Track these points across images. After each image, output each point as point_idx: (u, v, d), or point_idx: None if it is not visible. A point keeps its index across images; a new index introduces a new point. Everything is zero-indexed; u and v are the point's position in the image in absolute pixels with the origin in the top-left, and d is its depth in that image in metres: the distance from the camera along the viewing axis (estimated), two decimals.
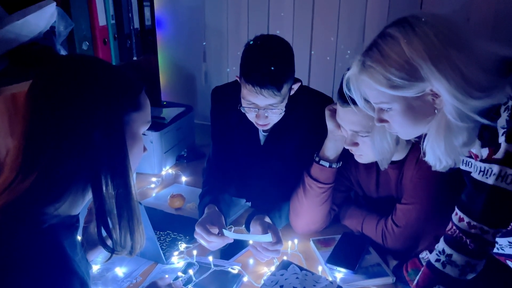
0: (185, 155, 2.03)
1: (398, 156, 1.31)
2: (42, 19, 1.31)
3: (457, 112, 0.85)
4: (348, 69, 1.04)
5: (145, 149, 0.92)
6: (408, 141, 1.26)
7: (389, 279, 1.20)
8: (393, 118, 0.95)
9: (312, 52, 2.11)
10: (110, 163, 0.79)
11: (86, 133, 0.76)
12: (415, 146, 1.27)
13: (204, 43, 2.31)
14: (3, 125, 1.32)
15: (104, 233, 0.83)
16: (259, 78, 1.24)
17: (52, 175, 0.76)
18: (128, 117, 0.82)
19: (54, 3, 1.33)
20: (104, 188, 0.79)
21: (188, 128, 2.11)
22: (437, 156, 0.94)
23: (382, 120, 0.98)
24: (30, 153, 0.76)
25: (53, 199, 0.77)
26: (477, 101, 0.83)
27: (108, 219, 0.81)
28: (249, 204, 1.60)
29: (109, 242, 0.84)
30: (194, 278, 1.15)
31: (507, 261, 1.04)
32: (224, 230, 1.24)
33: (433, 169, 1.00)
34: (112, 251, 0.84)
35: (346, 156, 1.36)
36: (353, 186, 1.48)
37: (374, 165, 1.38)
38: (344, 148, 1.32)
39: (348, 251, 1.28)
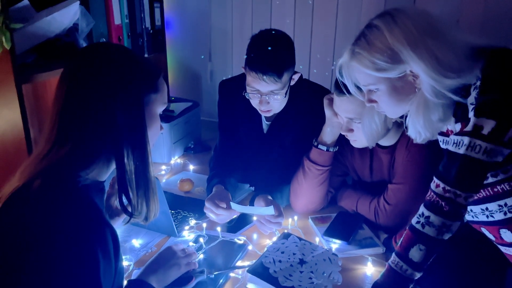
0: (192, 147, 2.17)
1: (389, 142, 1.44)
2: (67, 17, 1.46)
3: (433, 90, 0.98)
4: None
5: (161, 127, 1.04)
6: (398, 127, 1.39)
7: (380, 249, 1.33)
8: (380, 98, 1.08)
9: (311, 51, 2.26)
10: (131, 138, 0.90)
11: (110, 111, 0.87)
12: (405, 132, 1.40)
13: (209, 43, 2.45)
14: (30, 107, 1.45)
15: (125, 202, 0.93)
16: (261, 66, 1.38)
17: (83, 146, 0.88)
18: (147, 98, 0.94)
19: (78, 2, 1.48)
20: (125, 160, 0.90)
21: (195, 122, 2.25)
22: (417, 130, 1.07)
23: (371, 101, 1.11)
24: (63, 128, 0.88)
25: (85, 166, 0.89)
26: (450, 80, 0.96)
27: (128, 187, 0.91)
28: (252, 188, 1.73)
29: (128, 208, 0.95)
30: (204, 246, 1.28)
31: (482, 228, 1.17)
32: (231, 203, 1.37)
33: (414, 141, 1.14)
34: (130, 215, 0.95)
35: (342, 143, 1.50)
36: (349, 171, 1.61)
37: (368, 151, 1.51)
38: (340, 136, 1.45)
39: (343, 226, 1.42)
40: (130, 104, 0.90)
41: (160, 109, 0.99)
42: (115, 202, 1.16)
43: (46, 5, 1.44)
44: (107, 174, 0.97)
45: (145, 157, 0.93)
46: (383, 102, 1.10)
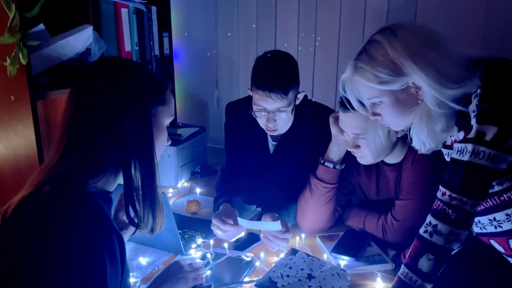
0: (199, 171, 2.18)
1: (395, 159, 1.45)
2: (80, 41, 1.52)
3: (435, 100, 1.01)
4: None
5: (168, 140, 1.05)
6: (404, 144, 1.40)
7: (389, 266, 1.31)
8: (384, 110, 1.11)
9: (314, 78, 2.31)
10: (138, 148, 0.91)
11: (119, 122, 0.89)
12: (411, 149, 1.41)
13: (216, 71, 2.52)
14: (41, 122, 1.49)
15: (132, 214, 0.94)
16: (268, 83, 1.42)
17: (92, 156, 0.89)
18: (155, 110, 0.96)
19: (91, 27, 1.54)
20: (132, 170, 0.91)
21: (202, 147, 2.28)
22: (421, 140, 1.09)
23: (375, 114, 1.14)
24: (72, 139, 0.89)
25: (93, 175, 0.90)
26: (451, 90, 0.99)
27: (135, 198, 0.92)
28: (259, 209, 1.73)
29: (135, 219, 0.95)
30: (211, 262, 1.28)
31: (490, 240, 1.16)
32: (238, 218, 1.37)
33: (419, 152, 1.15)
34: (137, 226, 0.96)
35: (348, 163, 1.51)
36: (355, 190, 1.61)
37: (374, 169, 1.52)
38: (346, 156, 1.47)
39: (351, 243, 1.41)
40: (139, 116, 0.92)
41: (167, 121, 1.01)
42: (123, 217, 1.17)
43: (60, 30, 1.51)
44: (115, 184, 0.98)
45: (152, 168, 0.94)
46: (387, 115, 1.12)
